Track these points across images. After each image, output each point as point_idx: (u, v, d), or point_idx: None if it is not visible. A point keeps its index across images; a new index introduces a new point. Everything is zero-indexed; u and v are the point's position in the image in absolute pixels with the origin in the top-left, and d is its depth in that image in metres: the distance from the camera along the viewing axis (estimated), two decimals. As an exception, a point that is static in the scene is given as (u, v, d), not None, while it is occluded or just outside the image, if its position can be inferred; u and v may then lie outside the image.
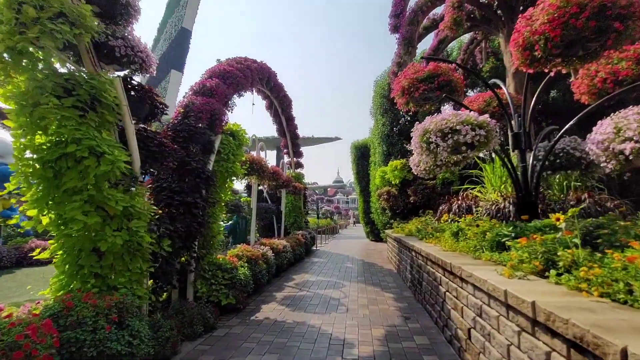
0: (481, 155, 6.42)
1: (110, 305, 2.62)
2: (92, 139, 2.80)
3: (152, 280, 3.65)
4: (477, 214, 6.31)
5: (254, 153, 8.57)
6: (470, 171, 8.09)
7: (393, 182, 11.32)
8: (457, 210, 7.15)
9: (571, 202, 5.33)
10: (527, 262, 2.55)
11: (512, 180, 4.78)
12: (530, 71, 3.68)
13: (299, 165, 13.64)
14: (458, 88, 5.41)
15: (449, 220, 6.65)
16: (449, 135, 4.26)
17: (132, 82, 3.64)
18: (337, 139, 31.44)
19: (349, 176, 76.23)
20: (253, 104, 8.82)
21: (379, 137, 13.45)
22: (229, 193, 5.77)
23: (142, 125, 3.85)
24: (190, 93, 5.25)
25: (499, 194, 6.57)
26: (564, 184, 6.21)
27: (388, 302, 5.33)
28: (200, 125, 4.80)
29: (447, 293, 3.69)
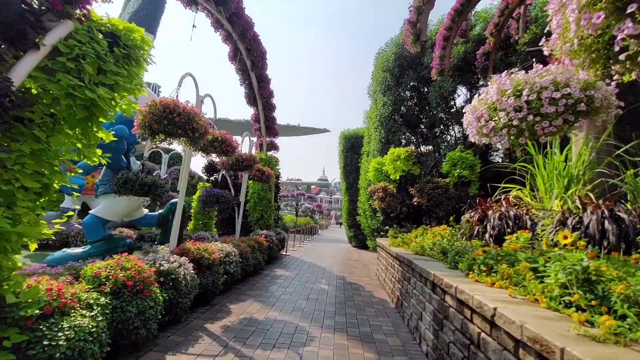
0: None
1: None
2: None
3: None
4: (541, 230, 3.69)
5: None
6: (503, 165, 5.47)
7: (392, 177, 8.58)
8: (497, 221, 4.44)
9: None
10: None
11: None
12: None
13: (272, 146, 10.72)
14: None
15: (487, 233, 4.04)
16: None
17: None
18: (325, 130, 28.73)
19: (334, 175, 73.60)
20: (194, 26, 5.85)
21: (376, 121, 10.70)
22: (97, 150, 2.80)
23: None
24: None
25: (566, 200, 4.02)
26: None
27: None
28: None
29: None
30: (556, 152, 4.61)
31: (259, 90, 8.81)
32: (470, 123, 3.12)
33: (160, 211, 7.07)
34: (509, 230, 4.08)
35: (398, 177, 8.49)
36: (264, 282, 6.55)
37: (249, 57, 7.82)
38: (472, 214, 5.18)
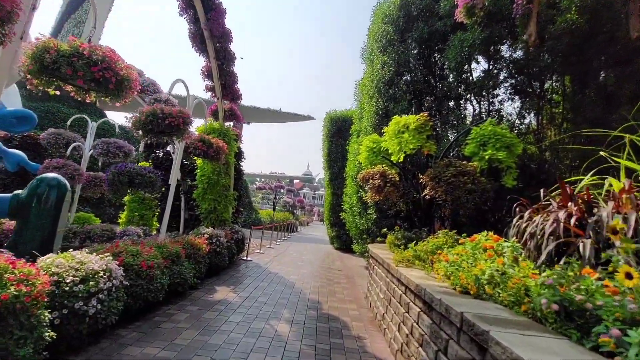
0: None
1: None
2: None
3: None
4: None
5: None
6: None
7: (394, 158, 6.01)
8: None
9: None
10: None
11: None
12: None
13: (232, 115, 7.95)
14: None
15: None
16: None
17: None
18: (309, 118, 25.93)
19: (319, 171, 71.24)
20: None
21: (372, 89, 8.09)
22: None
23: None
24: None
25: None
26: None
27: None
28: None
29: None
30: None
31: (207, 24, 6.01)
32: None
33: (17, 192, 4.22)
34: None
35: (402, 159, 5.92)
36: (178, 320, 3.85)
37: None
38: (557, 210, 2.73)
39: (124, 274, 3.38)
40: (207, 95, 7.70)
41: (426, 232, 5.54)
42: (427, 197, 5.54)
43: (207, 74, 7.24)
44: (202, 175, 7.48)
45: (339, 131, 13.88)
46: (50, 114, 15.18)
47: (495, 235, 3.43)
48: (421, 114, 5.48)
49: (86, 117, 9.43)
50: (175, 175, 5.57)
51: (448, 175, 5.20)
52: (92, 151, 8.74)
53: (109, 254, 3.37)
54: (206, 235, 6.10)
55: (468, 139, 5.76)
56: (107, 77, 3.15)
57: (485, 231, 3.56)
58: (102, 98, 3.52)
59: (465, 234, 4.30)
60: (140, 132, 4.78)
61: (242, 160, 8.92)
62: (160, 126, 4.56)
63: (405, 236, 5.38)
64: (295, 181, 71.93)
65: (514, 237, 4.00)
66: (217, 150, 6.21)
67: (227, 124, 7.95)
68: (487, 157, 5.44)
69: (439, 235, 4.43)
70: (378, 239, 6.32)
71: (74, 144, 8.87)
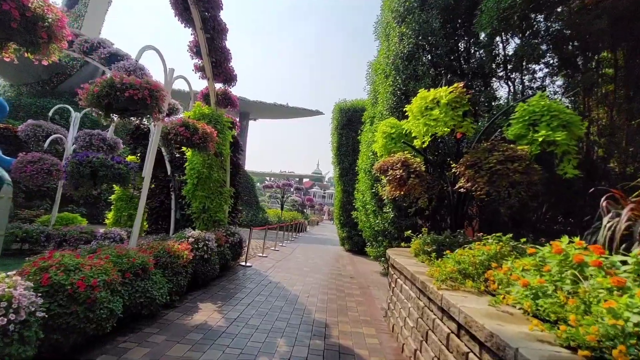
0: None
1: None
2: None
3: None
4: None
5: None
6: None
7: (418, 143, 4.85)
8: None
9: None
10: None
11: None
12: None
13: (225, 99, 6.90)
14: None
15: None
16: None
17: None
18: (318, 113, 24.77)
19: (329, 169, 70.24)
20: None
21: (389, 65, 6.91)
22: None
23: None
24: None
25: None
26: None
27: None
28: None
29: None
30: None
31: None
32: None
33: None
34: None
35: (428, 142, 4.74)
36: None
37: None
38: None
39: (47, 299, 2.35)
40: (199, 80, 6.66)
41: (463, 235, 4.37)
42: (462, 190, 4.36)
43: (195, 50, 6.20)
44: (191, 169, 6.45)
45: (349, 122, 12.73)
46: (47, 109, 14.48)
47: (581, 241, 2.29)
48: (455, 84, 4.30)
49: (68, 106, 8.54)
50: (149, 166, 4.53)
51: (492, 161, 4.02)
52: (75, 145, 7.83)
53: (26, 270, 2.34)
54: (191, 239, 5.07)
55: (511, 119, 4.57)
56: (4, 11, 2.10)
57: (565, 236, 2.40)
58: (15, 52, 2.48)
59: (508, 237, 3.16)
60: (99, 112, 3.76)
61: (240, 152, 7.87)
62: (120, 100, 3.51)
63: (437, 240, 4.22)
64: (305, 180, 70.96)
65: (602, 243, 2.82)
66: (204, 137, 5.16)
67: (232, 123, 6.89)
68: (540, 139, 4.24)
69: (488, 240, 3.27)
70: (402, 244, 5.16)
71: (52, 137, 7.99)
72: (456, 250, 3.56)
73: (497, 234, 3.29)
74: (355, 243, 12.10)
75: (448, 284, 2.61)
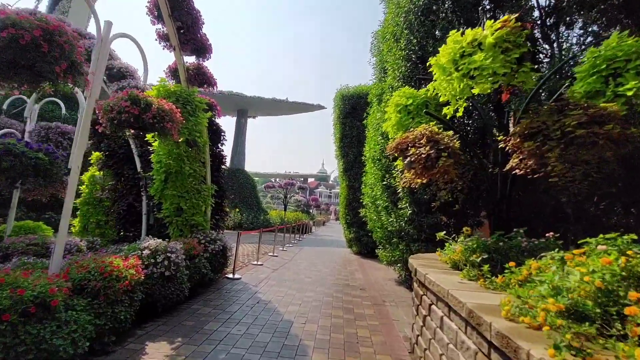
0: None
1: None
2: None
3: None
4: None
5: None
6: None
7: (449, 111, 3.50)
8: None
9: None
10: None
11: None
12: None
13: (200, 76, 5.62)
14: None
15: None
16: None
17: None
18: (320, 107, 23.42)
19: (334, 167, 68.95)
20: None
21: (400, 25, 5.58)
22: None
23: None
24: None
25: None
26: None
27: None
28: None
29: None
30: None
31: None
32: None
33: None
34: None
35: (463, 109, 3.41)
36: None
37: None
38: None
39: None
40: (166, 51, 5.38)
41: (522, 236, 3.02)
42: (519, 171, 3.01)
43: (157, 13, 4.93)
44: (157, 161, 5.19)
45: (353, 110, 11.39)
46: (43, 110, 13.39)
47: None
48: (506, 16, 2.94)
49: (24, 97, 7.35)
50: (77, 155, 3.26)
51: (573, 124, 2.66)
52: (28, 141, 6.62)
53: None
54: (146, 252, 3.79)
55: (578, 72, 3.22)
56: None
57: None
58: None
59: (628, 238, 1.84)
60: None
61: (223, 142, 6.57)
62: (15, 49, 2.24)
63: (485, 246, 2.88)
64: (310, 180, 69.73)
65: None
66: (160, 116, 3.88)
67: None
68: (631, 93, 2.89)
69: (590, 244, 1.92)
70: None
71: (3, 131, 6.81)
72: (527, 262, 2.28)
73: (606, 236, 1.95)
74: (364, 245, 10.76)
75: (568, 341, 1.27)
